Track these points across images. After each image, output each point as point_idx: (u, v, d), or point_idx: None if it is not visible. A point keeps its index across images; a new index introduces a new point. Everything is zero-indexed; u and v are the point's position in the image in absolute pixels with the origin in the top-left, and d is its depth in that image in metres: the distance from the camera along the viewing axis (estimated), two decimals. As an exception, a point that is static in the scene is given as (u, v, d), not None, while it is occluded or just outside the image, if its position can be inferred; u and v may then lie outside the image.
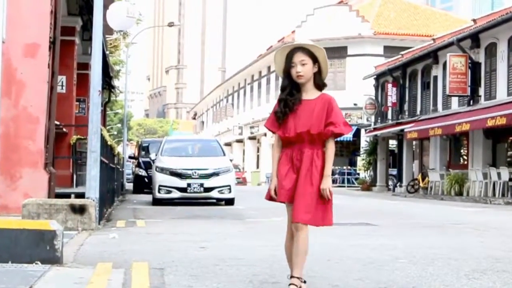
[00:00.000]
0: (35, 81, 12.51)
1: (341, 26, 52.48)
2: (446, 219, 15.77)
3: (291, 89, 5.35)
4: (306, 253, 5.34)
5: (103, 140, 13.32)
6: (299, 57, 5.32)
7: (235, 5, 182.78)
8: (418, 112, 37.87)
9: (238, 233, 11.59)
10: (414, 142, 39.28)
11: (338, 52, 53.44)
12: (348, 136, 51.88)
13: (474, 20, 34.20)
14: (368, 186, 43.83)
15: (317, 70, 5.38)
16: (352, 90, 50.84)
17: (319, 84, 5.39)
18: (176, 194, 20.38)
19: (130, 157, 39.64)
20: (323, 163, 5.26)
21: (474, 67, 31.33)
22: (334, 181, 51.73)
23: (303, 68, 5.30)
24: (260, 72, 64.63)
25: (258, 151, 64.87)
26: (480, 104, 30.67)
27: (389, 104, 40.66)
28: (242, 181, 55.32)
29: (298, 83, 5.34)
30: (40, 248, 6.68)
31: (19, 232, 6.71)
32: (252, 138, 67.63)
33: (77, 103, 20.50)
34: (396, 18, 55.56)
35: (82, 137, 17.27)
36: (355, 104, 49.93)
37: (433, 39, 38.77)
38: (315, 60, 5.38)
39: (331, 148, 5.27)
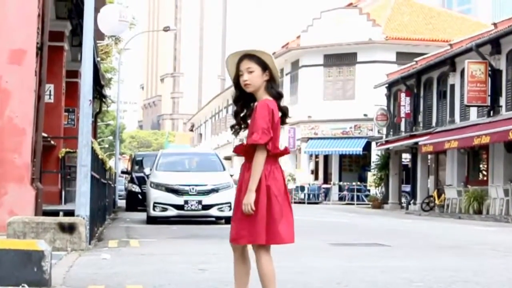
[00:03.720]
0: (21, 90, 12.54)
1: (350, 31, 52.57)
2: (464, 240, 15.77)
3: (244, 100, 5.44)
4: (266, 278, 5.27)
5: (94, 153, 13.35)
6: (245, 65, 5.34)
7: (235, 8, 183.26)
8: (433, 124, 37.88)
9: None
10: (429, 156, 39.25)
11: (347, 58, 53.55)
12: (358, 149, 51.98)
13: (495, 24, 34.24)
14: (379, 203, 43.78)
15: (268, 77, 5.38)
16: (362, 100, 50.88)
17: (272, 92, 5.37)
18: (172, 212, 20.37)
19: (122, 172, 39.67)
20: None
21: (495, 75, 31.35)
22: (342, 198, 51.86)
23: (250, 76, 5.32)
24: (263, 80, 64.69)
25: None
26: (501, 115, 30.67)
27: (402, 115, 40.68)
28: (243, 198, 55.21)
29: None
30: (27, 270, 6.70)
31: (4, 252, 6.73)
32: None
33: (66, 113, 20.54)
34: (409, 22, 55.64)
35: (72, 150, 17.31)
36: (365, 115, 49.98)
37: (450, 45, 38.81)
38: (265, 67, 5.36)
39: (254, 160, 5.27)
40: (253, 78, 5.32)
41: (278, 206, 5.26)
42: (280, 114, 5.36)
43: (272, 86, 5.36)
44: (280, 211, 5.26)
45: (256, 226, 5.20)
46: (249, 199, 5.19)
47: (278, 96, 5.37)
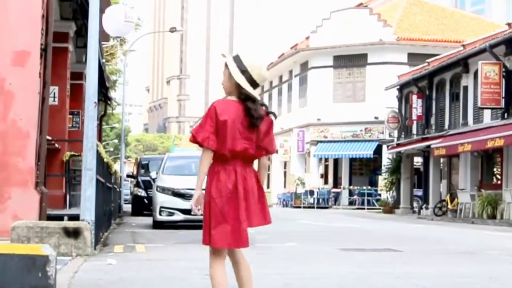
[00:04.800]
0: (25, 92, 12.56)
1: (360, 31, 52.55)
2: (478, 245, 15.73)
3: None
4: (211, 281, 5.45)
5: (99, 157, 13.36)
6: (224, 69, 5.63)
7: (242, 8, 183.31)
8: (446, 127, 37.82)
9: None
10: (441, 160, 39.18)
11: (357, 60, 53.53)
12: (368, 153, 51.93)
13: (509, 24, 34.17)
14: (390, 208, 43.71)
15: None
16: (372, 102, 50.85)
17: (237, 94, 5.51)
18: (179, 217, 20.40)
19: (128, 176, 39.69)
20: None
21: (509, 76, 31.28)
22: (352, 203, 51.83)
23: (223, 80, 5.60)
24: (271, 83, 64.76)
25: (268, 169, 64.92)
26: (515, 117, 30.61)
27: (414, 117, 40.62)
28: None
29: None
30: (31, 275, 6.70)
31: (8, 257, 6.73)
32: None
33: (71, 116, 20.56)
34: (421, 22, 55.59)
35: (76, 154, 17.31)
36: (376, 118, 49.93)
37: (463, 46, 38.75)
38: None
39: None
40: (224, 82, 5.57)
41: (216, 208, 5.38)
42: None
43: (241, 88, 5.47)
44: (219, 213, 5.37)
45: (203, 228, 5.46)
46: (192, 198, 5.52)
47: (244, 98, 5.47)
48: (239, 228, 5.36)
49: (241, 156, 5.43)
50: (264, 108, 5.53)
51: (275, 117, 5.66)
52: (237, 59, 5.52)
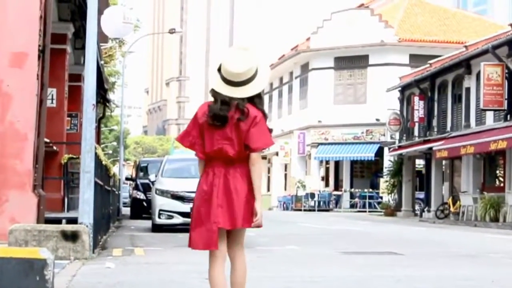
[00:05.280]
0: (22, 94, 12.57)
1: (361, 32, 52.54)
2: (480, 248, 15.74)
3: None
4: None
5: (97, 159, 13.38)
6: None
7: (242, 9, 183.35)
8: (448, 128, 37.83)
9: (247, 262, 11.58)
10: (443, 162, 39.18)
11: (358, 61, 53.54)
12: (370, 155, 51.91)
13: None
14: (392, 211, 43.71)
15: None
16: (374, 104, 50.85)
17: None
18: (178, 220, 20.40)
19: (127, 179, 39.72)
20: None
21: None
22: (354, 206, 51.87)
23: None
24: (271, 84, 64.78)
25: (269, 172, 64.89)
26: (517, 119, 30.62)
27: (416, 119, 40.62)
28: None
29: None
30: (29, 279, 6.71)
31: (5, 261, 6.74)
32: (262, 157, 67.48)
33: (69, 118, 20.56)
34: (423, 23, 55.59)
35: (75, 156, 17.32)
36: (377, 120, 49.94)
37: (465, 47, 38.76)
38: None
39: None
40: None
41: (194, 210, 5.48)
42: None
43: (212, 89, 5.52)
44: (196, 215, 5.46)
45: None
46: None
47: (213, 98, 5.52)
48: (210, 229, 5.38)
49: (219, 156, 5.42)
50: (237, 104, 5.40)
51: (266, 116, 5.56)
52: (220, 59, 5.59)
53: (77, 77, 20.65)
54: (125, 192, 47.51)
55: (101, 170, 15.58)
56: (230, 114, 5.38)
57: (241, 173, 5.45)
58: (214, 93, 5.47)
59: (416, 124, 41.52)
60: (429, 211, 38.94)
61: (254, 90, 5.47)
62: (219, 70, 5.49)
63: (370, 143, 52.35)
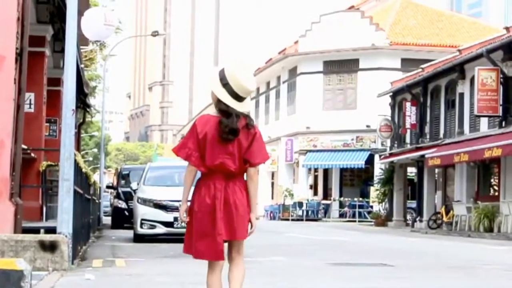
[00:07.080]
0: (-1, 98, 12.54)
1: (351, 36, 52.65)
2: (474, 259, 15.79)
3: None
4: None
5: (77, 166, 13.36)
6: None
7: (228, 11, 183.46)
8: (441, 135, 37.93)
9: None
10: (436, 170, 39.26)
11: (348, 65, 53.62)
12: (360, 163, 51.98)
13: (507, 28, 34.31)
14: (383, 220, 43.76)
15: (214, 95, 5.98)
16: (364, 110, 50.94)
17: (219, 111, 5.91)
18: (160, 230, 20.39)
19: (108, 187, 39.62)
20: None
21: (507, 82, 31.39)
22: (343, 215, 51.89)
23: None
24: (258, 89, 64.81)
25: (256, 181, 64.81)
26: (513, 125, 30.72)
27: (408, 125, 40.72)
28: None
29: None
30: (5, 291, 6.71)
31: (-19, 272, 6.73)
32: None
33: (47, 124, 20.52)
34: (415, 26, 55.75)
35: (53, 163, 17.30)
36: (367, 126, 50.01)
37: (459, 50, 38.89)
38: None
39: None
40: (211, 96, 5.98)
41: (197, 222, 5.80)
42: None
43: (220, 102, 5.84)
44: (200, 227, 5.79)
45: (185, 236, 5.98)
46: (180, 210, 5.98)
47: (219, 111, 5.85)
48: (215, 241, 5.72)
49: (220, 170, 5.75)
50: (246, 120, 5.78)
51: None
52: (221, 72, 5.83)
53: (56, 81, 20.62)
54: (106, 200, 47.44)
55: (81, 178, 15.56)
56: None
57: (240, 187, 5.82)
58: (226, 107, 5.78)
59: (408, 131, 41.63)
60: (421, 221, 39.01)
61: (249, 105, 5.91)
62: (225, 84, 5.78)
63: (360, 150, 52.43)
